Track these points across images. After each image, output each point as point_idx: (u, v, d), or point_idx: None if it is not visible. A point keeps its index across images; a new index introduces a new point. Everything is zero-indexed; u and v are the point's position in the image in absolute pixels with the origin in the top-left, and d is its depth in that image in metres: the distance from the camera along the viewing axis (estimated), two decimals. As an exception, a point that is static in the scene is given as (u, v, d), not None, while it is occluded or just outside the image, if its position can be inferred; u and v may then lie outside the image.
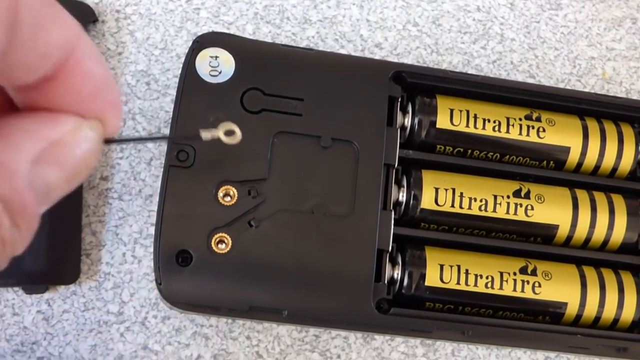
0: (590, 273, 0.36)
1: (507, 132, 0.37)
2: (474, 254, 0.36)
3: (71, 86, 0.19)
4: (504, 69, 0.43)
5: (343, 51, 0.42)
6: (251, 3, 0.42)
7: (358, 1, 0.43)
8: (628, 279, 0.36)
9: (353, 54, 0.41)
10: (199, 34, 0.39)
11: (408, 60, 0.42)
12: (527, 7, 0.44)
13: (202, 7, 0.42)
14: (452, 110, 0.37)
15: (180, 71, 0.35)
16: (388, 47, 0.42)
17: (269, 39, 0.41)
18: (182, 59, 0.35)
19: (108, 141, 0.20)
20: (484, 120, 0.37)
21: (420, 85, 0.37)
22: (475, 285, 0.35)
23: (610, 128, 0.38)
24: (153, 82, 0.39)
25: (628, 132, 0.38)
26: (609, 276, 0.36)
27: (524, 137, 0.37)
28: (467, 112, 0.37)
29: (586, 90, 0.43)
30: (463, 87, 0.38)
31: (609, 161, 0.38)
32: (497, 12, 0.44)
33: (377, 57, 0.42)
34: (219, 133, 0.30)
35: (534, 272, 0.36)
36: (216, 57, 0.36)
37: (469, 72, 0.42)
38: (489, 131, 0.37)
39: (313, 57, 0.37)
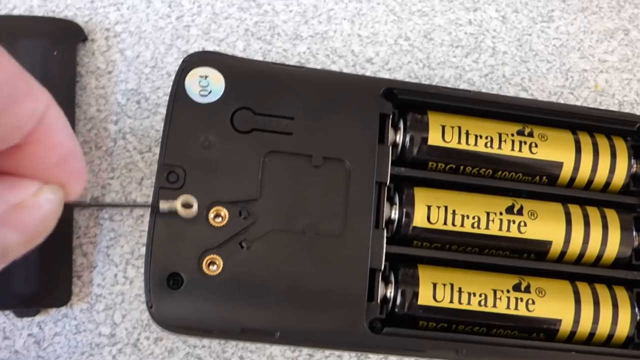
0: (584, 289, 0.36)
1: (499, 148, 0.37)
2: (467, 272, 0.36)
3: (38, 154, 0.20)
4: (496, 82, 0.43)
5: (334, 67, 0.41)
6: (242, 19, 0.42)
7: (349, 16, 0.43)
8: (622, 295, 0.36)
9: (344, 69, 0.41)
10: (190, 51, 0.39)
11: (400, 75, 0.42)
12: (518, 20, 0.44)
13: (192, 24, 0.41)
14: (443, 127, 0.37)
15: (170, 90, 0.35)
16: (379, 62, 0.42)
17: (259, 56, 0.41)
18: (173, 77, 0.35)
19: (84, 205, 0.20)
20: (476, 136, 0.37)
21: (412, 102, 0.37)
22: (469, 303, 0.35)
23: (602, 142, 0.38)
24: (143, 101, 0.39)
25: (621, 145, 0.38)
26: (603, 292, 0.36)
27: (516, 153, 0.37)
28: (459, 128, 0.37)
29: (579, 102, 0.43)
30: (455, 103, 0.38)
31: (602, 175, 0.38)
32: (489, 25, 0.44)
33: (368, 73, 0.42)
34: (177, 205, 0.30)
35: (527, 289, 0.35)
36: (206, 76, 0.35)
37: (461, 86, 0.42)
38: (481, 147, 0.37)
39: (304, 75, 0.37)
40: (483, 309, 0.35)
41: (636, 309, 0.37)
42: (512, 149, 0.37)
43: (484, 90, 0.42)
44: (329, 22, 0.42)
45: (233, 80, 0.36)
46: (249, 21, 0.42)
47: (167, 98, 0.35)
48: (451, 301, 0.35)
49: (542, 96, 0.43)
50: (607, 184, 0.38)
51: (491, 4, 0.44)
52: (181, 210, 0.32)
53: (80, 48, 0.39)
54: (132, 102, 0.39)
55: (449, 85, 0.42)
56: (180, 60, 0.36)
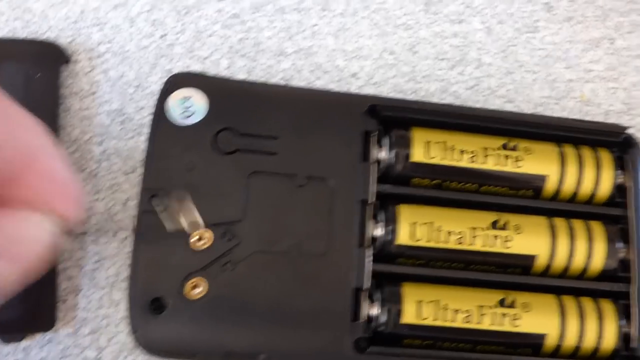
0: (569, 303, 0.36)
1: (484, 162, 0.37)
2: (452, 288, 0.36)
3: (34, 186, 0.20)
4: (481, 94, 0.42)
5: (319, 82, 0.41)
6: (226, 37, 0.42)
7: (333, 31, 0.43)
8: (607, 307, 0.36)
9: (329, 85, 0.41)
10: (174, 70, 0.39)
11: (385, 89, 0.42)
12: (503, 32, 0.44)
13: (176, 43, 0.41)
14: (428, 143, 0.37)
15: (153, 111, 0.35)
16: (364, 77, 0.42)
17: (244, 73, 0.41)
18: (157, 97, 0.35)
19: (78, 234, 0.21)
20: (461, 151, 0.37)
21: (396, 118, 0.37)
22: (454, 320, 0.35)
23: (587, 154, 0.38)
24: (128, 121, 0.39)
25: (606, 157, 0.38)
26: (588, 305, 0.36)
27: (500, 167, 0.37)
28: (444, 143, 0.37)
29: (565, 113, 0.43)
30: (439, 118, 0.38)
31: (587, 188, 0.38)
32: (474, 37, 0.44)
33: (353, 88, 0.42)
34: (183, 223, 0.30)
35: (512, 305, 0.35)
36: (188, 97, 0.35)
37: (447, 99, 0.42)
38: (465, 162, 0.37)
39: (287, 94, 0.37)
40: (468, 325, 0.35)
41: (622, 321, 0.36)
42: (497, 163, 0.37)
43: (469, 103, 0.42)
44: (313, 38, 0.42)
45: (216, 100, 0.36)
46: (233, 38, 0.42)
47: (151, 118, 0.35)
48: (436, 319, 0.35)
49: (527, 107, 0.43)
50: (593, 196, 0.38)
51: (476, 15, 0.44)
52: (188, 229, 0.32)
53: (63, 70, 0.39)
54: (117, 122, 0.39)
55: (434, 99, 0.42)
56: (164, 80, 0.35)
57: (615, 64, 0.45)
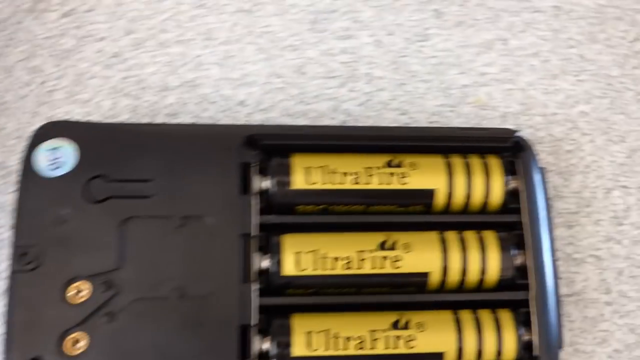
0: (466, 317, 0.36)
1: (369, 182, 0.36)
2: (343, 316, 0.35)
3: None
4: (374, 109, 0.42)
5: (206, 114, 0.41)
6: (107, 77, 0.41)
7: (218, 60, 0.42)
8: (506, 317, 0.36)
9: (216, 115, 0.41)
10: (55, 117, 0.38)
11: (274, 114, 0.41)
12: (393, 43, 0.43)
13: (56, 89, 0.41)
14: (308, 169, 0.36)
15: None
16: (252, 104, 0.41)
17: (128, 112, 0.40)
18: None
19: None
20: (343, 174, 0.36)
21: (276, 146, 0.36)
22: (346, 348, 0.34)
23: (475, 162, 0.37)
24: (9, 175, 0.39)
25: (494, 163, 0.38)
26: (486, 317, 0.36)
27: (385, 186, 0.36)
28: (324, 167, 0.36)
29: (460, 119, 0.42)
30: (319, 141, 0.37)
31: (478, 197, 0.37)
32: (363, 51, 0.43)
33: (241, 115, 0.41)
34: None
35: (406, 326, 0.35)
36: (57, 148, 0.35)
37: (338, 117, 0.41)
38: (348, 184, 0.36)
39: (159, 133, 0.37)
40: (361, 352, 0.34)
41: (522, 330, 0.35)
42: (382, 182, 0.37)
43: (362, 119, 0.41)
44: (197, 69, 0.42)
45: (86, 148, 0.35)
46: (114, 78, 0.41)
47: (26, 172, 0.34)
48: (327, 348, 0.34)
49: (422, 118, 0.42)
50: (486, 204, 0.37)
51: (364, 29, 0.44)
52: None
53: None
54: (-2, 176, 0.38)
55: (325, 119, 0.41)
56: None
57: (510, 64, 0.44)
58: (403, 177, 0.37)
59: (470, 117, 0.42)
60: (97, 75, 0.41)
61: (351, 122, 0.42)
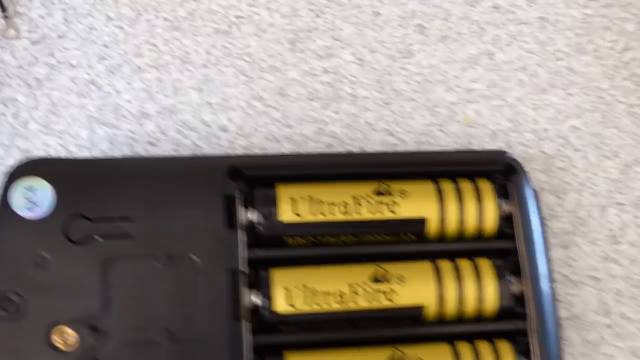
0: (464, 350, 0.34)
1: (358, 212, 0.35)
2: (337, 352, 0.34)
3: None
4: (359, 130, 0.41)
5: (186, 141, 0.39)
6: (83, 106, 0.40)
7: (196, 84, 0.41)
8: (505, 348, 0.35)
9: (197, 142, 0.39)
10: (31, 149, 0.37)
11: (256, 139, 0.40)
12: (377, 60, 0.42)
13: (30, 120, 0.39)
14: (294, 200, 0.35)
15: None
16: (234, 129, 0.40)
17: (106, 142, 0.39)
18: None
19: None
20: (330, 204, 0.35)
21: (260, 177, 0.35)
22: (343, 385, 0.33)
23: (466, 187, 0.36)
24: (-17, 213, 0.37)
25: (485, 187, 0.36)
26: (485, 349, 0.35)
27: (375, 216, 0.35)
28: (310, 198, 0.35)
29: (449, 139, 0.41)
30: (305, 170, 0.36)
31: (471, 223, 0.36)
32: (346, 70, 0.42)
33: (223, 142, 0.40)
34: None
35: (402, 361, 0.33)
36: (33, 187, 0.33)
37: (323, 140, 0.40)
38: (337, 215, 0.35)
39: (139, 167, 0.35)
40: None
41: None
42: (371, 211, 0.35)
43: (347, 142, 0.40)
44: (175, 95, 0.40)
45: (64, 187, 0.34)
46: (90, 106, 0.40)
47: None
48: (323, 387, 0.33)
49: (409, 138, 0.41)
50: (480, 230, 0.36)
51: (346, 47, 0.42)
52: None
53: None
54: (-29, 215, 0.37)
55: (310, 143, 0.40)
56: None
57: (497, 79, 0.43)
58: (393, 206, 0.35)
59: (460, 136, 0.41)
60: (72, 104, 0.40)
61: (337, 145, 0.40)
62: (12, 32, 0.41)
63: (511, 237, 0.37)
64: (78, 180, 0.34)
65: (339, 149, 0.41)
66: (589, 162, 0.42)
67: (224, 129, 0.40)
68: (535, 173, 0.41)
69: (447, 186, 0.36)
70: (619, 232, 0.41)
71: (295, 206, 0.35)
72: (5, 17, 0.41)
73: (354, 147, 0.41)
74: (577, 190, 0.41)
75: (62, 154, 0.39)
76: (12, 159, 0.39)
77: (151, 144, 0.40)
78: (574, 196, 0.41)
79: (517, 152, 0.40)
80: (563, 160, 0.42)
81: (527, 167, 0.37)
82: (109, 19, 0.42)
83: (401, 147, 0.41)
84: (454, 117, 0.42)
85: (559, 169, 0.42)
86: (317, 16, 0.43)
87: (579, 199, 0.41)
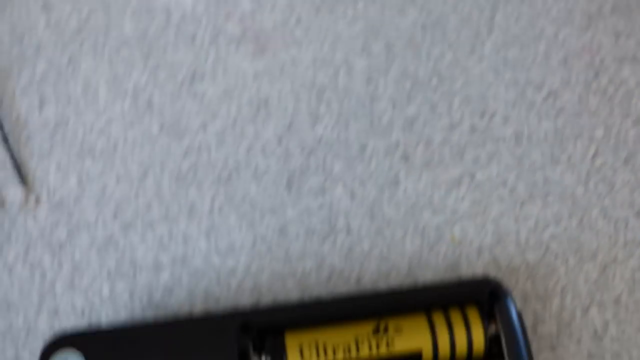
0: None
1: (358, 351, 0.39)
2: None
3: None
4: (356, 260, 0.44)
5: (199, 287, 0.43)
6: (102, 262, 0.44)
7: (204, 232, 0.45)
8: None
9: (210, 287, 0.43)
10: (59, 309, 0.41)
11: (264, 278, 0.44)
12: (367, 192, 0.46)
13: (56, 280, 0.43)
14: (301, 346, 0.38)
15: None
16: (242, 271, 0.44)
17: (126, 295, 0.43)
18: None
19: None
20: (334, 347, 0.39)
21: (269, 327, 0.39)
22: None
23: (455, 316, 0.40)
24: (25, 376, 0.41)
25: (473, 314, 0.40)
26: None
27: (374, 352, 0.39)
28: (316, 343, 0.38)
29: (439, 259, 0.45)
30: (310, 318, 0.39)
31: (460, 349, 0.40)
32: (339, 205, 0.46)
33: (233, 285, 0.44)
34: None
35: None
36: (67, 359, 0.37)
37: (323, 273, 0.44)
38: (339, 356, 0.39)
39: (160, 331, 0.39)
40: None
41: None
42: (370, 349, 0.39)
43: (346, 272, 0.44)
44: (185, 244, 0.44)
45: (92, 357, 0.37)
46: (109, 262, 0.44)
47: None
48: None
49: (402, 262, 0.44)
50: (470, 352, 0.40)
51: (337, 182, 0.46)
52: None
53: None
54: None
55: (312, 278, 0.44)
56: (50, 318, 0.40)
57: (479, 197, 0.47)
58: (389, 342, 0.39)
59: (448, 256, 0.45)
60: (93, 262, 0.44)
61: (335, 277, 0.44)
62: (32, 201, 0.45)
63: (499, 355, 0.40)
64: (103, 349, 0.38)
65: (338, 280, 0.45)
66: (569, 267, 0.45)
67: (233, 272, 0.45)
68: (521, 282, 0.45)
69: (439, 318, 0.40)
70: (601, 330, 0.44)
71: (302, 353, 0.39)
72: (25, 187, 0.45)
73: (352, 278, 0.45)
74: (560, 295, 0.45)
75: (87, 310, 0.43)
76: (43, 318, 0.43)
77: (167, 291, 0.44)
78: (558, 300, 0.45)
79: (502, 265, 0.44)
80: (545, 267, 0.45)
81: (513, 278, 0.41)
82: (119, 179, 0.46)
83: (395, 273, 0.45)
84: (442, 238, 0.46)
85: (542, 277, 0.45)
86: (309, 156, 0.47)
87: (562, 302, 0.45)
